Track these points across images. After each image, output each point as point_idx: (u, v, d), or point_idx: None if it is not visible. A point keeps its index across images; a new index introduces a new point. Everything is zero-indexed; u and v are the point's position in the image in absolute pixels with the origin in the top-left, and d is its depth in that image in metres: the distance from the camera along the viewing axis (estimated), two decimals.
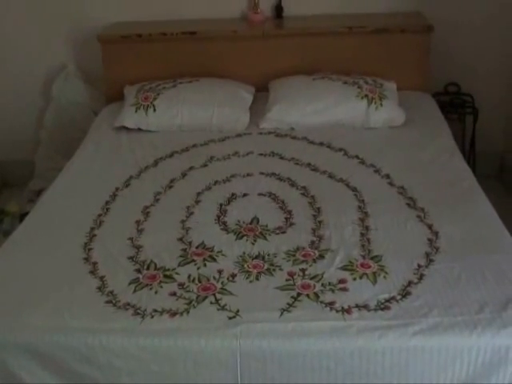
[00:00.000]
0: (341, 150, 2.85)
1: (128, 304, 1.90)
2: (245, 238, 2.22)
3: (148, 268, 2.07)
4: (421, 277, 1.97)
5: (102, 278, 2.03)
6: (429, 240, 2.16)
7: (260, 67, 3.43)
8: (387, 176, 2.61)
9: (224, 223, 2.32)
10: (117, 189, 2.61)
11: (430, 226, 2.24)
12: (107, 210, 2.46)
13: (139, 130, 3.14)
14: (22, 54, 3.71)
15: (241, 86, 3.33)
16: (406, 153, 2.81)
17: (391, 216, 2.31)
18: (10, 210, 3.56)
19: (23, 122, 3.85)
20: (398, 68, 3.40)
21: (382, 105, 3.08)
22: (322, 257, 2.09)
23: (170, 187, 2.61)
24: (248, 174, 2.68)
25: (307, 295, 1.90)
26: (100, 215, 2.42)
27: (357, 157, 2.78)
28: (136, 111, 3.15)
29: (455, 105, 3.60)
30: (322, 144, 2.92)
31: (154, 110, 3.14)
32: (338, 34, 3.40)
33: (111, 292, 1.96)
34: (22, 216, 3.41)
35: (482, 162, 3.64)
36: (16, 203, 3.61)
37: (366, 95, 3.11)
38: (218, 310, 1.85)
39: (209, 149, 2.94)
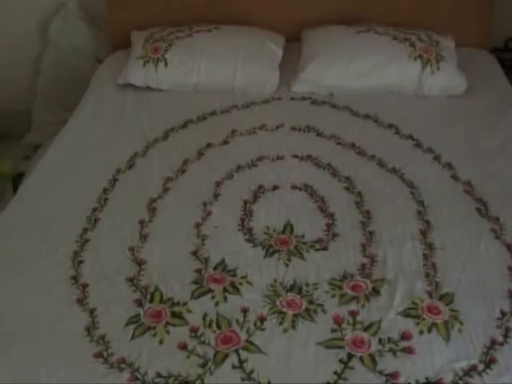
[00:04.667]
0: (391, 126, 2.35)
1: (123, 361, 1.44)
2: (276, 254, 1.75)
3: (152, 299, 1.61)
4: (506, 332, 1.52)
5: (92, 312, 1.58)
6: (510, 270, 1.69)
7: (291, 12, 2.88)
8: (449, 166, 2.13)
9: (249, 231, 1.85)
10: (118, 171, 2.15)
11: (509, 247, 1.77)
12: (105, 201, 2.00)
13: (148, 88, 2.63)
14: None
15: (269, 35, 2.78)
16: (470, 134, 2.31)
17: (460, 228, 1.84)
18: (1, 171, 3.10)
19: (18, 69, 3.36)
20: (454, 19, 2.83)
21: (438, 68, 2.55)
22: (376, 292, 1.62)
23: (183, 172, 2.14)
24: (278, 157, 2.19)
25: (361, 358, 1.44)
26: (95, 210, 1.96)
27: (411, 137, 2.29)
28: (144, 65, 2.63)
29: None
30: (367, 117, 2.42)
31: (166, 64, 2.62)
32: None
33: (102, 338, 1.51)
34: (15, 178, 2.98)
35: None
36: (9, 161, 3.16)
37: (421, 55, 2.56)
38: (243, 380, 1.39)
39: (230, 118, 2.44)
